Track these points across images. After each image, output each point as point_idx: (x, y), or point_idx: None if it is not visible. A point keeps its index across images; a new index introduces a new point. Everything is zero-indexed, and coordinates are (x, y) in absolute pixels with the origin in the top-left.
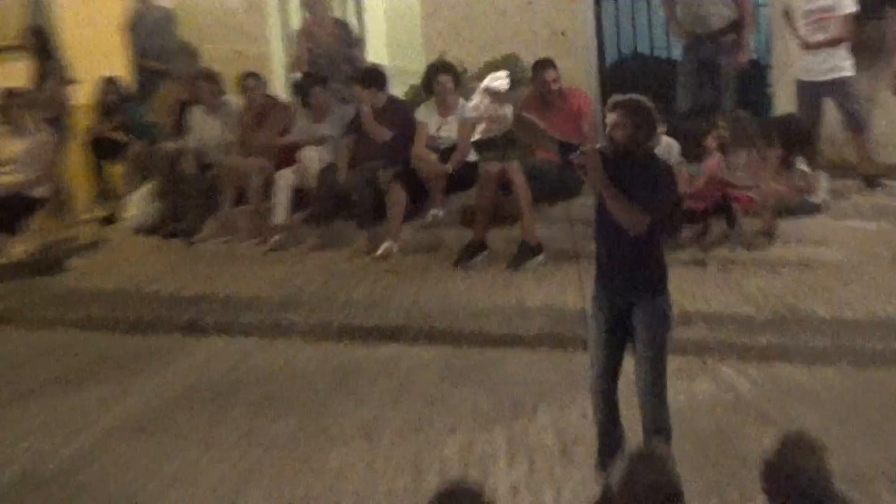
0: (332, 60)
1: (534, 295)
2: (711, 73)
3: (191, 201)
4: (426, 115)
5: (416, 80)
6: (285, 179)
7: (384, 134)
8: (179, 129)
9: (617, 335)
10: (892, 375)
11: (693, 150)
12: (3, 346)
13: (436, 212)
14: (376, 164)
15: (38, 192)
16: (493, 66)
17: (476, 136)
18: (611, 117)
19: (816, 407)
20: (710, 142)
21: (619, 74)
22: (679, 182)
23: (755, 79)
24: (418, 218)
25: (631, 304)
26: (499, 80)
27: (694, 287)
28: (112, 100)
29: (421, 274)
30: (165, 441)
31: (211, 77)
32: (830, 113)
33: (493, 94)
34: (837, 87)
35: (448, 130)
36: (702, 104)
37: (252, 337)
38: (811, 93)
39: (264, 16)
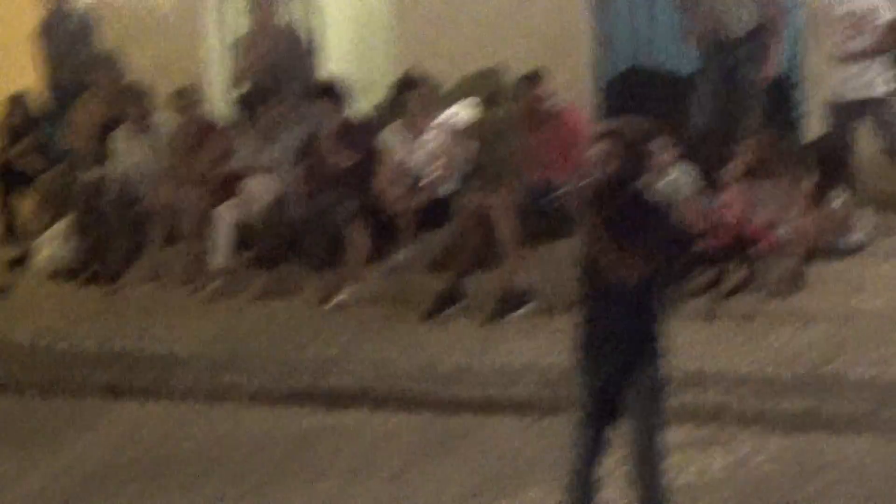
0: (281, 73)
1: (519, 352)
2: (732, 87)
3: (114, 240)
4: (393, 139)
5: (383, 96)
6: (226, 215)
7: (345, 159)
8: (101, 154)
9: (603, 413)
10: None
11: (711, 179)
12: None
13: (403, 254)
14: (334, 197)
15: None
16: (472, 81)
17: (431, 179)
18: (597, 148)
19: (852, 485)
20: (731, 171)
21: (620, 90)
22: (690, 218)
23: (783, 96)
24: (383, 261)
25: (621, 371)
26: (458, 115)
27: (707, 343)
28: (18, 122)
29: (386, 327)
30: None
31: (137, 92)
32: (867, 137)
33: (453, 131)
34: (875, 107)
35: (418, 156)
36: (721, 124)
37: (187, 401)
38: (844, 113)
39: (201, 20)
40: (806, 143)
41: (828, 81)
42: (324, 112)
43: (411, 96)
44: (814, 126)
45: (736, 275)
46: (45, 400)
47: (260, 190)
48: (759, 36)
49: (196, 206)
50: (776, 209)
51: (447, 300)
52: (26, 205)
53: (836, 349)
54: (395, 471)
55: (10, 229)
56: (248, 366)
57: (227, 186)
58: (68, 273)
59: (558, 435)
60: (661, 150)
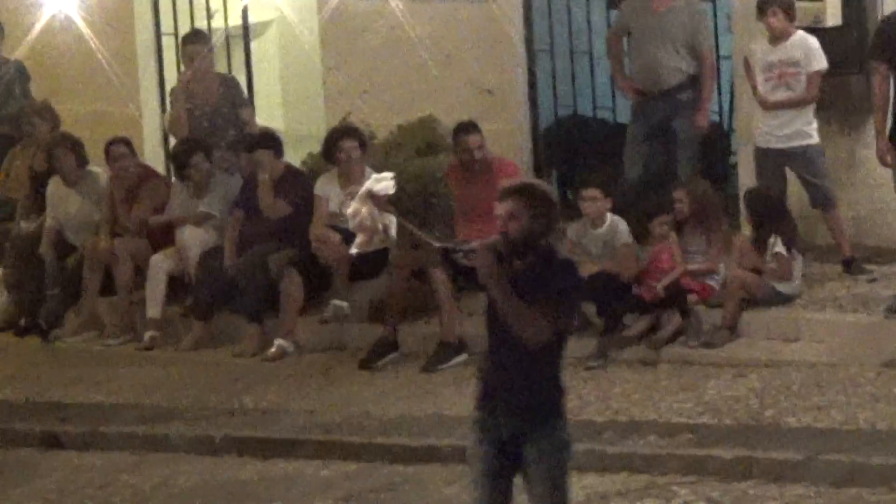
0: (215, 123)
1: (454, 402)
2: (665, 137)
3: (49, 291)
4: (327, 188)
5: (316, 146)
6: (160, 265)
7: (282, 209)
8: (35, 205)
9: (504, 470)
10: (875, 495)
11: (645, 228)
12: None
13: (339, 304)
14: (268, 247)
15: None
16: (406, 131)
17: (353, 250)
18: (502, 207)
19: None
20: (658, 227)
21: (555, 139)
22: (624, 268)
23: (716, 145)
24: (318, 311)
25: (521, 432)
26: (383, 181)
27: (643, 391)
28: None
29: (321, 377)
30: None
31: (71, 144)
32: (798, 187)
33: (377, 200)
34: (800, 158)
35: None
36: (654, 174)
37: (122, 452)
38: (772, 162)
39: (135, 70)
40: (747, 192)
41: (754, 130)
42: (262, 161)
43: (344, 146)
44: (748, 175)
45: (671, 323)
46: None
47: (194, 240)
48: (692, 86)
49: (130, 257)
50: (709, 258)
51: (383, 350)
52: None
53: (771, 397)
54: None
55: None
56: (184, 415)
57: (163, 237)
58: (2, 325)
59: None
60: (596, 200)
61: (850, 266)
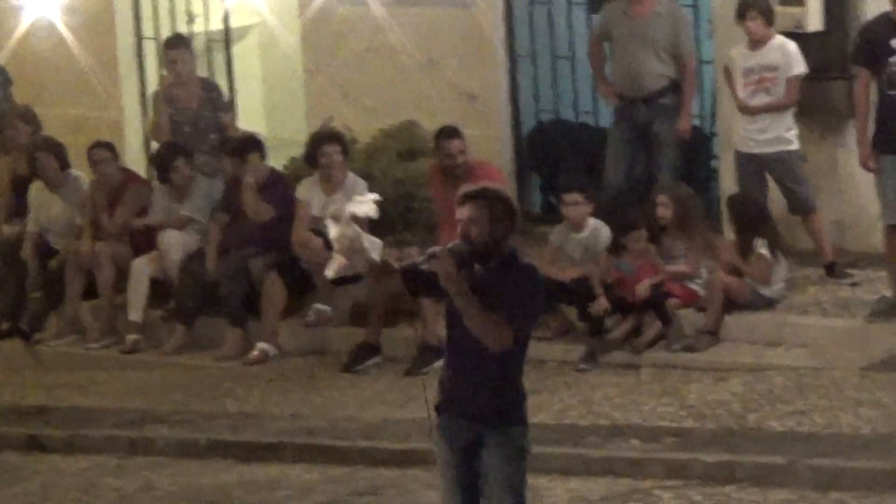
0: (197, 127)
1: None
2: (647, 142)
3: (31, 295)
4: (309, 193)
5: (297, 150)
6: (143, 269)
7: (265, 212)
8: (16, 209)
9: (469, 475)
10: (858, 499)
11: (626, 233)
12: None
13: (320, 307)
14: (251, 251)
15: None
16: (388, 135)
17: (329, 273)
18: (462, 212)
19: None
20: (633, 243)
21: (537, 144)
22: (604, 273)
23: (698, 149)
24: (300, 314)
25: (480, 436)
26: (365, 204)
27: (625, 395)
28: None
29: (303, 381)
30: None
31: (53, 147)
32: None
33: (360, 222)
34: (780, 164)
35: (335, 210)
36: (636, 179)
37: (104, 455)
38: (752, 167)
39: (117, 75)
40: (730, 197)
41: (735, 135)
42: (246, 166)
43: (326, 151)
44: (729, 179)
45: (652, 327)
46: None
47: (176, 244)
48: (673, 91)
49: (113, 261)
50: (691, 263)
51: (365, 354)
52: None
53: (753, 401)
54: None
55: None
56: (166, 419)
57: (145, 241)
58: None
59: None
60: (578, 205)
61: (833, 270)
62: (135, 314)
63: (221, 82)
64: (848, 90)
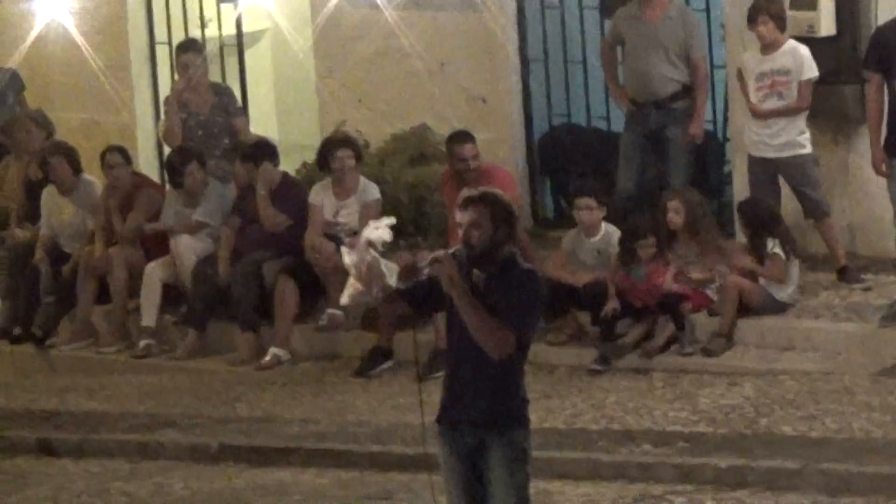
0: (209, 132)
1: None
2: (659, 146)
3: (43, 300)
4: (321, 197)
5: (310, 155)
6: (155, 273)
7: (281, 221)
8: (29, 214)
9: (474, 479)
10: (869, 503)
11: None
12: None
13: (333, 312)
14: (263, 255)
15: None
16: (400, 140)
17: (345, 301)
18: (464, 217)
19: None
20: (643, 250)
21: (549, 149)
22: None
23: (711, 154)
24: (312, 319)
25: (482, 440)
26: (380, 228)
27: (637, 400)
28: None
29: (315, 385)
30: None
31: (66, 152)
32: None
33: (376, 246)
34: (793, 168)
35: (347, 215)
36: (648, 183)
37: (116, 459)
38: (765, 171)
39: (129, 80)
40: (741, 203)
41: (747, 139)
42: (264, 174)
43: (338, 155)
44: (742, 183)
45: (664, 331)
46: None
47: (189, 249)
48: (685, 95)
49: (125, 265)
50: (705, 266)
51: (377, 359)
52: None
53: (765, 406)
54: None
55: None
56: (178, 423)
57: (157, 246)
58: None
59: None
60: (591, 209)
61: (845, 275)
62: (147, 319)
63: (234, 87)
64: (860, 94)
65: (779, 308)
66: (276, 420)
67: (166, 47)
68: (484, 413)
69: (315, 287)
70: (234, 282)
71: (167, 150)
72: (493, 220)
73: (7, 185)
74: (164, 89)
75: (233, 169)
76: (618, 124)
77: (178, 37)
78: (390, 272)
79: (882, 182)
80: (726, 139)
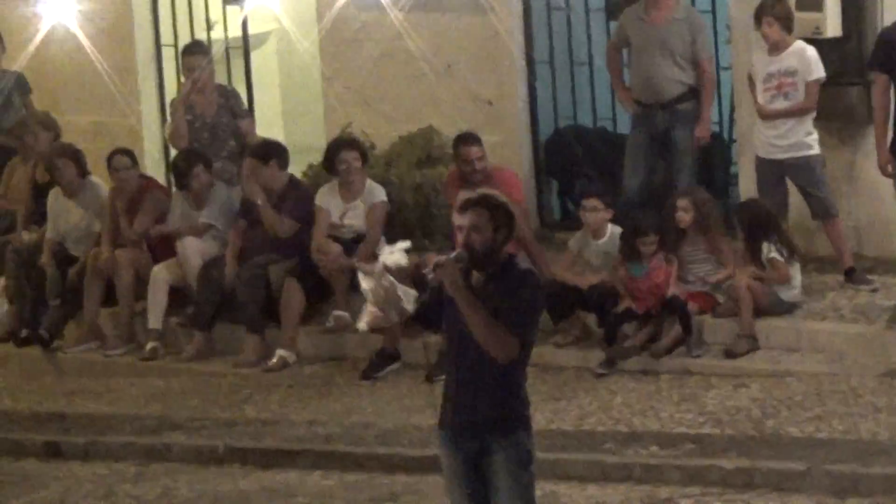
0: (215, 134)
1: None
2: (665, 148)
3: (50, 302)
4: (327, 200)
5: (316, 157)
6: (161, 276)
7: (288, 227)
8: (35, 216)
9: (476, 480)
10: None
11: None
12: None
13: (339, 314)
14: (269, 258)
15: None
16: (406, 142)
17: (362, 326)
18: (463, 220)
19: None
20: (644, 247)
21: (555, 150)
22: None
23: (717, 155)
24: (318, 321)
25: (486, 444)
26: (396, 253)
27: (644, 401)
28: None
29: (321, 387)
30: None
31: (72, 154)
32: (798, 195)
33: (393, 271)
34: (800, 169)
35: (353, 217)
36: (654, 185)
37: (122, 462)
38: (772, 172)
39: (135, 82)
40: (738, 205)
41: (754, 140)
42: (264, 173)
43: (344, 157)
44: (749, 185)
45: (670, 333)
46: None
47: (195, 251)
48: (692, 97)
49: (131, 268)
50: (710, 267)
51: (384, 361)
52: None
53: (772, 407)
54: None
55: None
56: (185, 425)
57: (163, 248)
58: (2, 336)
59: None
60: (597, 210)
61: (852, 276)
62: (153, 321)
63: (240, 89)
64: (866, 95)
65: (786, 308)
66: (282, 422)
67: (172, 49)
68: (486, 417)
69: (321, 289)
70: (240, 284)
71: (173, 152)
72: (493, 222)
73: (14, 188)
74: (170, 92)
75: (239, 171)
76: (624, 126)
77: (183, 39)
78: (407, 297)
79: (888, 183)
80: (733, 140)
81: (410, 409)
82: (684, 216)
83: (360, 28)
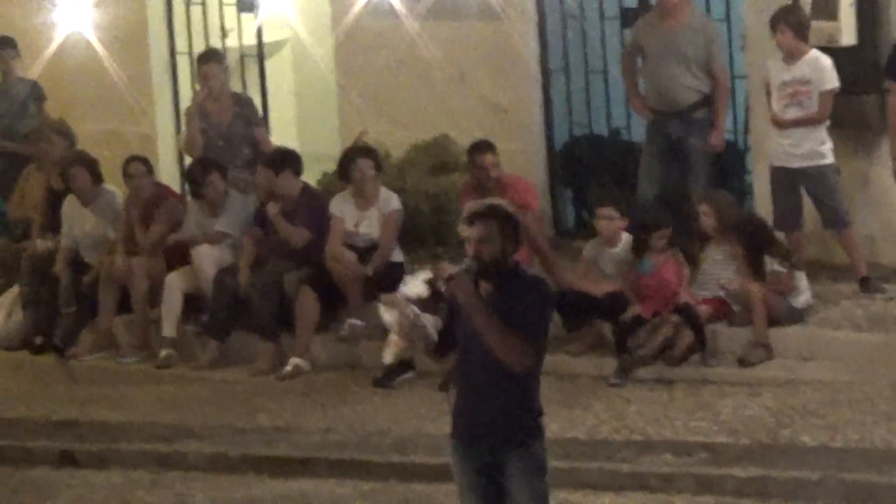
0: (230, 142)
1: None
2: (680, 156)
3: (64, 310)
4: (342, 207)
5: (330, 165)
6: (176, 284)
7: (302, 236)
8: (50, 224)
9: (491, 492)
10: None
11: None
12: None
13: (354, 322)
14: (284, 265)
15: None
16: (420, 150)
17: (389, 358)
18: (473, 231)
19: None
20: (657, 241)
21: (570, 159)
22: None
23: (732, 164)
24: (333, 329)
25: (499, 454)
26: (417, 285)
27: (658, 410)
28: None
29: (336, 395)
30: None
31: (87, 162)
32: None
33: (416, 302)
34: (815, 177)
35: (368, 226)
36: (669, 194)
37: (137, 470)
38: (787, 181)
39: (150, 90)
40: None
41: (768, 148)
42: (278, 181)
43: (359, 165)
44: (763, 194)
45: (684, 340)
46: None
47: (210, 259)
48: (706, 105)
49: (146, 276)
50: (730, 274)
51: (399, 368)
52: None
53: (786, 416)
54: None
55: None
56: (199, 433)
57: (178, 256)
58: (17, 344)
59: None
60: (612, 219)
61: (866, 285)
62: (168, 329)
63: (254, 97)
64: (881, 104)
65: (797, 316)
66: (296, 430)
67: (187, 57)
68: (500, 427)
69: (336, 297)
70: (254, 292)
71: (188, 160)
72: (502, 232)
73: (28, 196)
74: (185, 100)
75: (254, 179)
76: (638, 134)
77: (198, 47)
78: (431, 325)
79: None
80: (747, 148)
81: (425, 417)
82: (707, 220)
83: (374, 36)
